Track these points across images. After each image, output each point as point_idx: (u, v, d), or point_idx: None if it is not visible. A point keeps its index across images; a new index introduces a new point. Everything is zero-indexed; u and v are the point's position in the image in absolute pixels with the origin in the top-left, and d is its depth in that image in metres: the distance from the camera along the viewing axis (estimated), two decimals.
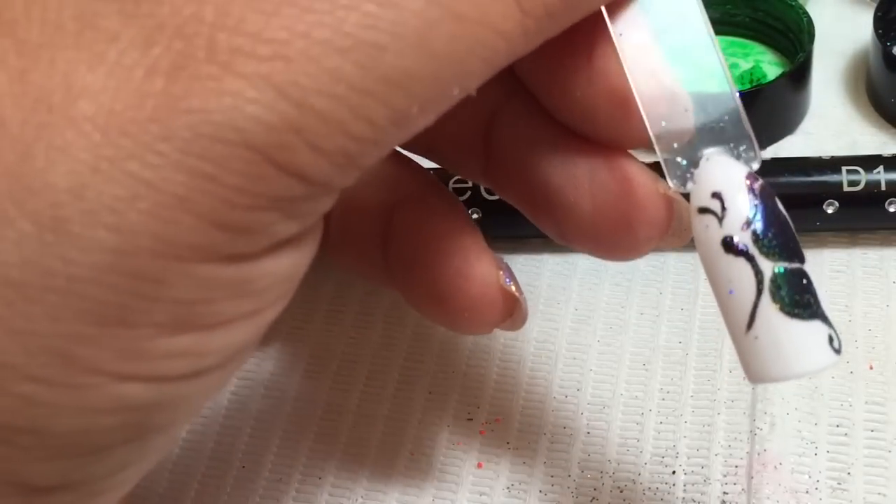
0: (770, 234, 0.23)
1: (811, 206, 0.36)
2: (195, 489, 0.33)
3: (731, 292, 0.23)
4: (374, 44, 0.18)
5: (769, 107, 0.40)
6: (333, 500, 0.32)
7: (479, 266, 0.26)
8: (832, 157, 0.37)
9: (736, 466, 0.31)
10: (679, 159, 0.23)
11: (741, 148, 0.23)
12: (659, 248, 0.26)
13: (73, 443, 0.18)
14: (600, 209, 0.25)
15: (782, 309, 0.22)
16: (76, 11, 0.17)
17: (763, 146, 0.41)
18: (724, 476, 0.31)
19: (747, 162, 0.23)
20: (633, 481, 0.31)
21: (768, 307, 0.22)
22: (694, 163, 0.23)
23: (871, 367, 0.33)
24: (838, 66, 0.44)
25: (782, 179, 0.37)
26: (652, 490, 0.31)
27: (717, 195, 0.23)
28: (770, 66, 0.43)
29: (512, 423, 0.33)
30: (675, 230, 0.25)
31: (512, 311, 0.27)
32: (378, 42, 0.18)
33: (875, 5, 0.42)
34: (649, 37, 0.23)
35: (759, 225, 0.23)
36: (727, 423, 0.32)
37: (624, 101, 0.23)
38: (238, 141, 0.17)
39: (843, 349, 0.33)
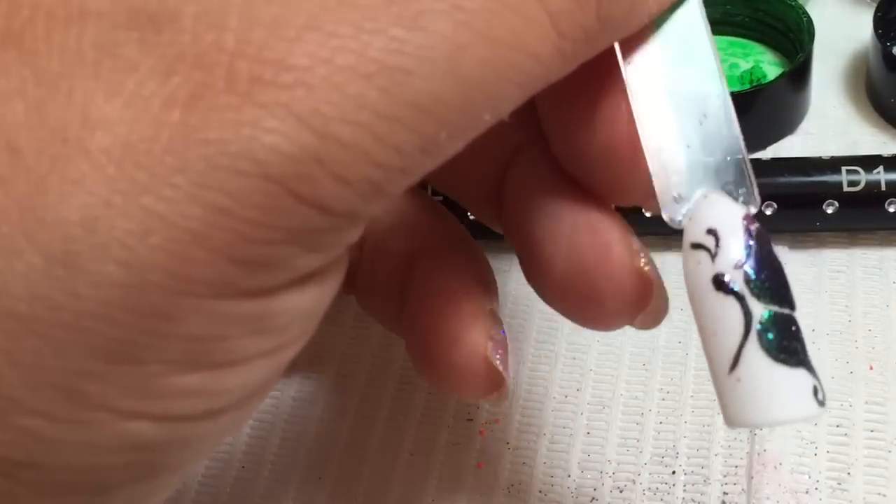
0: (763, 276, 0.22)
1: (811, 207, 0.36)
2: (195, 489, 0.32)
3: (716, 331, 0.22)
4: (400, 68, 0.17)
5: (769, 107, 0.40)
6: (333, 501, 0.32)
7: (470, 333, 0.25)
8: (832, 157, 0.37)
9: (736, 466, 0.31)
10: (676, 194, 0.23)
11: (740, 190, 0.23)
12: (638, 326, 0.25)
13: (77, 480, 0.18)
14: (572, 271, 0.24)
15: (769, 353, 0.22)
16: (97, 39, 0.17)
17: (763, 146, 0.41)
18: (724, 476, 0.31)
19: (746, 205, 0.23)
20: (633, 481, 0.31)
21: (754, 349, 0.22)
22: (690, 199, 0.23)
23: (872, 368, 0.33)
24: (838, 66, 0.44)
25: (782, 179, 0.37)
26: (652, 490, 0.31)
27: (712, 231, 0.22)
28: (770, 67, 0.43)
29: (512, 423, 0.33)
30: (652, 311, 0.24)
31: (496, 387, 0.26)
32: (404, 66, 0.17)
33: (875, 5, 0.42)
34: (660, 79, 0.22)
35: (752, 265, 0.22)
36: None
37: (626, 158, 0.22)
38: (256, 172, 0.17)
39: (844, 349, 0.33)
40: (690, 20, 0.23)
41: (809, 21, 0.42)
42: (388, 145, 0.17)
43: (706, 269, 0.22)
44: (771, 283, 0.22)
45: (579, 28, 0.19)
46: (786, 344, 0.22)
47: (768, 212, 0.36)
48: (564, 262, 0.24)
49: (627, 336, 0.35)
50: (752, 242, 0.22)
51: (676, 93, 0.23)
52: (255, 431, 0.34)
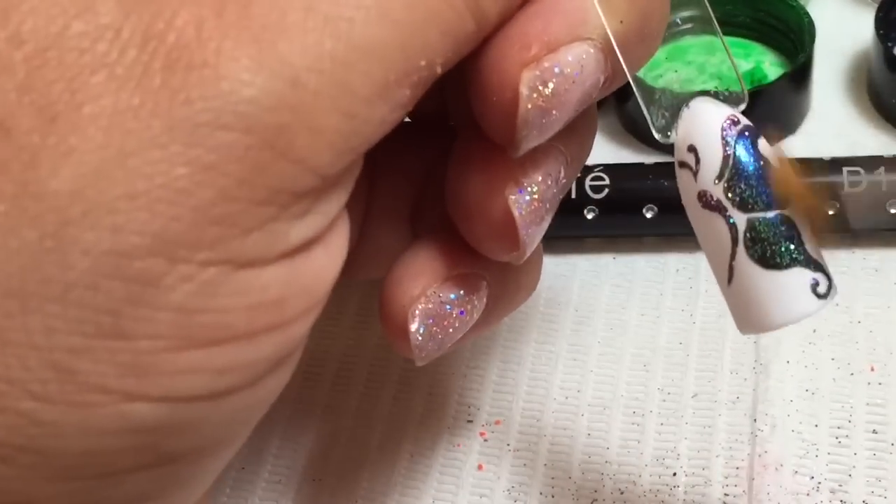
0: (742, 186, 0.22)
1: None
2: None
3: (710, 247, 0.23)
4: (342, 17, 0.18)
5: (770, 107, 0.40)
6: (333, 501, 0.32)
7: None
8: (833, 157, 0.37)
9: (737, 468, 0.31)
10: (662, 110, 0.23)
11: (727, 87, 0.23)
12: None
13: (80, 464, 0.18)
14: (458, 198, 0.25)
15: (757, 261, 0.22)
16: (79, 9, 0.18)
17: None
18: (725, 478, 0.31)
19: (735, 103, 0.23)
20: (634, 483, 0.31)
21: (744, 260, 0.22)
22: (676, 112, 0.23)
23: (873, 369, 0.33)
24: (839, 66, 0.44)
25: None
26: (653, 492, 0.31)
27: (692, 149, 0.23)
28: (771, 67, 0.43)
29: (512, 424, 0.33)
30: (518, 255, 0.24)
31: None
32: (345, 15, 0.19)
33: (876, 6, 0.41)
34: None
35: (731, 176, 0.22)
36: (728, 424, 0.32)
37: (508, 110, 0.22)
38: (238, 125, 0.17)
39: (845, 351, 0.33)
40: None
41: (810, 21, 0.42)
42: (349, 91, 0.19)
43: (691, 187, 0.23)
44: (751, 191, 0.22)
45: None
46: (774, 248, 0.22)
47: None
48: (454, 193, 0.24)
49: (628, 337, 0.35)
50: (729, 152, 0.22)
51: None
52: (254, 431, 0.34)
